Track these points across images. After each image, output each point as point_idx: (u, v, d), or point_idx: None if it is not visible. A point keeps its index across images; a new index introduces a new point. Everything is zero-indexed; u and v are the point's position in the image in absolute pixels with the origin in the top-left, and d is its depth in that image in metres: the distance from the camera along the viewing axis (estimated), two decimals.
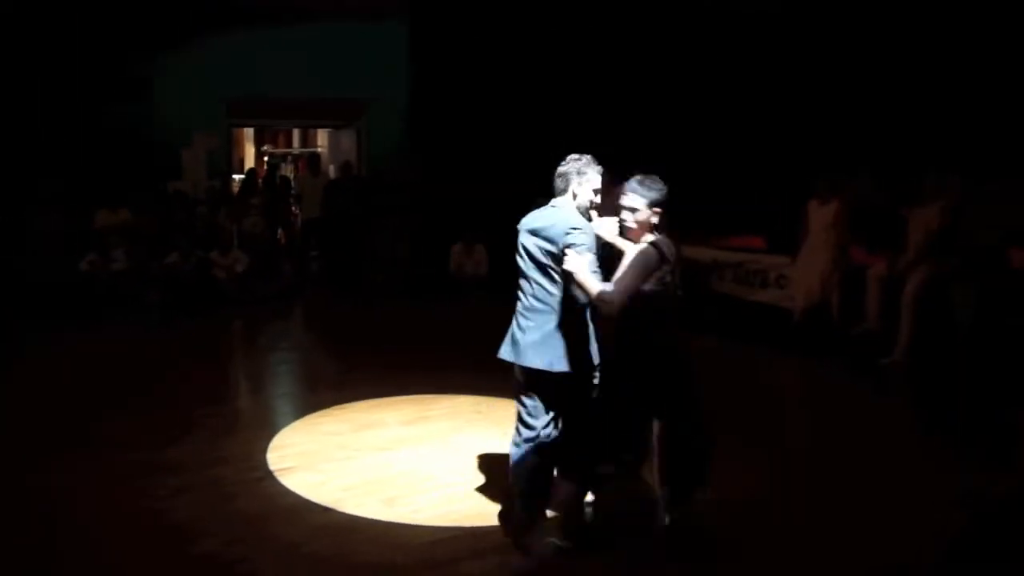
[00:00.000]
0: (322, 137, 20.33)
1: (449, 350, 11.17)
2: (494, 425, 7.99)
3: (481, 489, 6.50)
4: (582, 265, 5.17)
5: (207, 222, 14.96)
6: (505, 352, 5.64)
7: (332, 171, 17.57)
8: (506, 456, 7.14)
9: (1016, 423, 7.01)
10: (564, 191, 5.61)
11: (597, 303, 5.18)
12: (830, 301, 11.07)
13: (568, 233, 5.29)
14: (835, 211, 10.92)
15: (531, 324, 5.47)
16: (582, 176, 5.60)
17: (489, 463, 7.03)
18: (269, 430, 8.06)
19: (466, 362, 10.27)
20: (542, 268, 5.45)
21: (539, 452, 5.47)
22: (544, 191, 13.85)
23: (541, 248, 5.45)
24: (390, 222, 16.54)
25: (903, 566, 5.27)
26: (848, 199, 11.12)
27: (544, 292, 5.46)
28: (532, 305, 5.51)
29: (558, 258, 5.30)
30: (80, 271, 13.28)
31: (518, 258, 5.65)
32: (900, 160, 11.82)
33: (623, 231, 5.54)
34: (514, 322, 5.63)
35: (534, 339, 5.41)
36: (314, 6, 15.79)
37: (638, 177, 5.54)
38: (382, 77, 16.46)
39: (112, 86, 15.07)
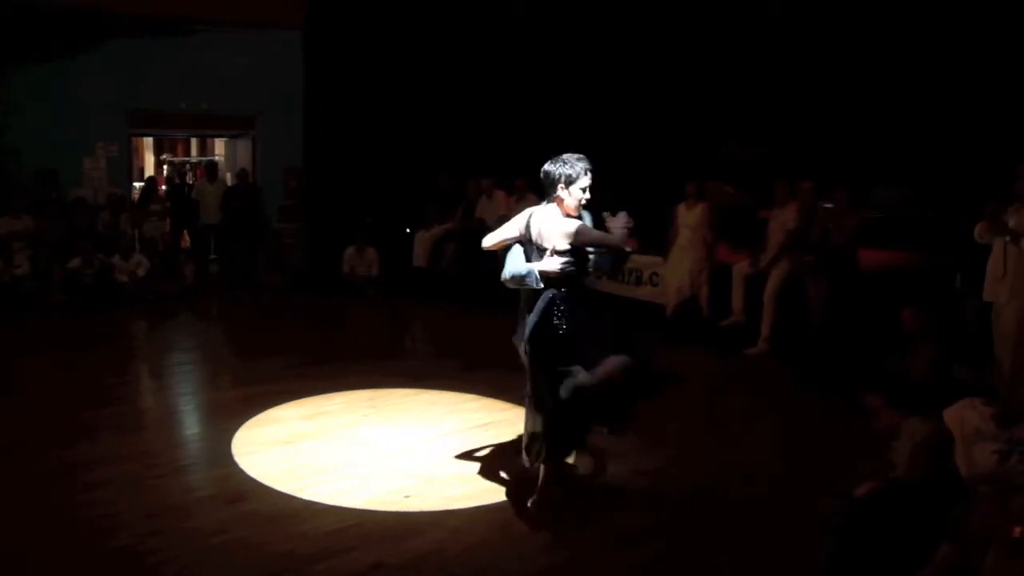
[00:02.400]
0: (219, 146, 20.05)
1: (344, 347, 11.18)
2: (388, 417, 8.04)
3: (378, 478, 6.50)
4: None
5: (109, 227, 14.67)
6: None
7: (229, 178, 17.35)
8: (400, 445, 7.20)
9: (867, 406, 7.23)
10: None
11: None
12: (699, 296, 11.33)
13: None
14: (702, 213, 11.18)
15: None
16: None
17: (384, 453, 7.05)
18: (174, 428, 8.00)
19: (360, 358, 10.32)
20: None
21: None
22: (433, 195, 13.70)
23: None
24: (285, 227, 16.44)
25: (792, 552, 5.42)
26: (714, 202, 11.39)
27: None
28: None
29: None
30: None
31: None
32: (760, 167, 12.18)
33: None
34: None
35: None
36: (212, 19, 15.56)
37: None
38: (277, 87, 16.29)
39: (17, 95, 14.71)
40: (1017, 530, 3.82)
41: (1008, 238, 7.70)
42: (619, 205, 5.67)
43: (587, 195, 5.61)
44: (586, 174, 5.59)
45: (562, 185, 5.58)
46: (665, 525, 5.82)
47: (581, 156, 5.62)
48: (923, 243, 10.79)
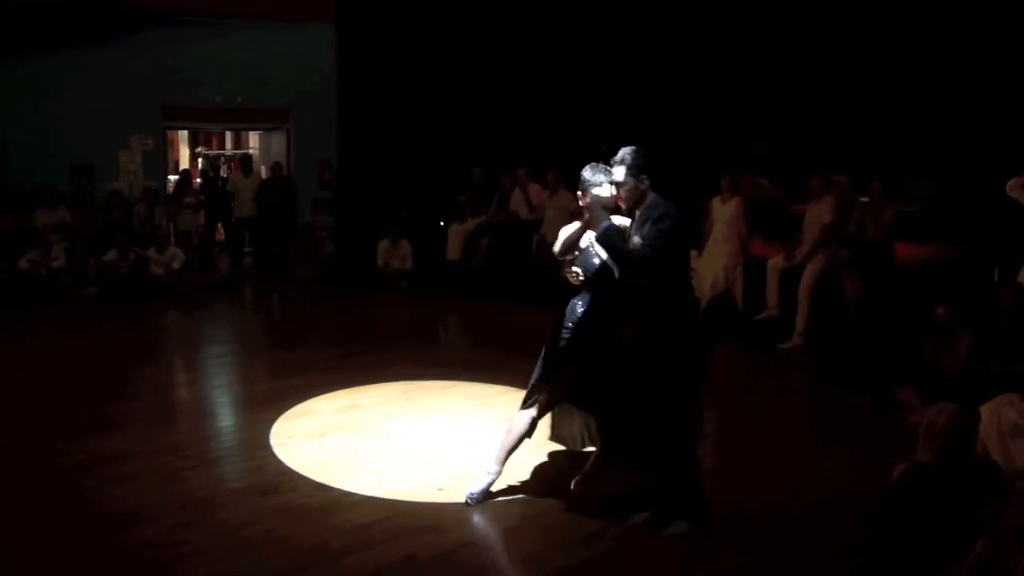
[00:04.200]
0: (254, 139, 20.14)
1: (378, 340, 11.19)
2: (422, 411, 8.07)
3: (411, 470, 6.53)
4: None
5: (144, 220, 14.78)
6: None
7: (264, 171, 17.42)
8: (433, 437, 7.22)
9: (904, 402, 7.21)
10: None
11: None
12: (734, 290, 11.28)
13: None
14: (736, 207, 11.14)
15: None
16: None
17: (417, 446, 7.07)
18: (207, 420, 8.07)
19: (394, 351, 10.36)
20: None
21: None
22: (467, 188, 13.57)
23: None
24: (318, 219, 16.48)
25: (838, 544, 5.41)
26: (748, 196, 11.35)
27: None
28: None
29: None
30: (19, 269, 13.03)
31: None
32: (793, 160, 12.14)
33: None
34: None
35: None
36: (246, 12, 15.63)
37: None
38: (311, 81, 16.36)
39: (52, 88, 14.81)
40: None
41: None
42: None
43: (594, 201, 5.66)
44: (600, 186, 5.63)
45: (579, 192, 5.79)
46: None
47: (624, 158, 5.55)
48: (959, 236, 10.71)
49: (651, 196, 5.48)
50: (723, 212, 11.19)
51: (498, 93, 14.72)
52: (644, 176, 5.46)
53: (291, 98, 16.63)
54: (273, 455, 6.84)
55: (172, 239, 14.72)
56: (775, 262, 11.00)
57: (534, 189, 13.65)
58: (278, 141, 17.64)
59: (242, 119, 17.94)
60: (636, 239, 5.40)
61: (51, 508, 5.90)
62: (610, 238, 5.41)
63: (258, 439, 7.20)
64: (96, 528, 5.59)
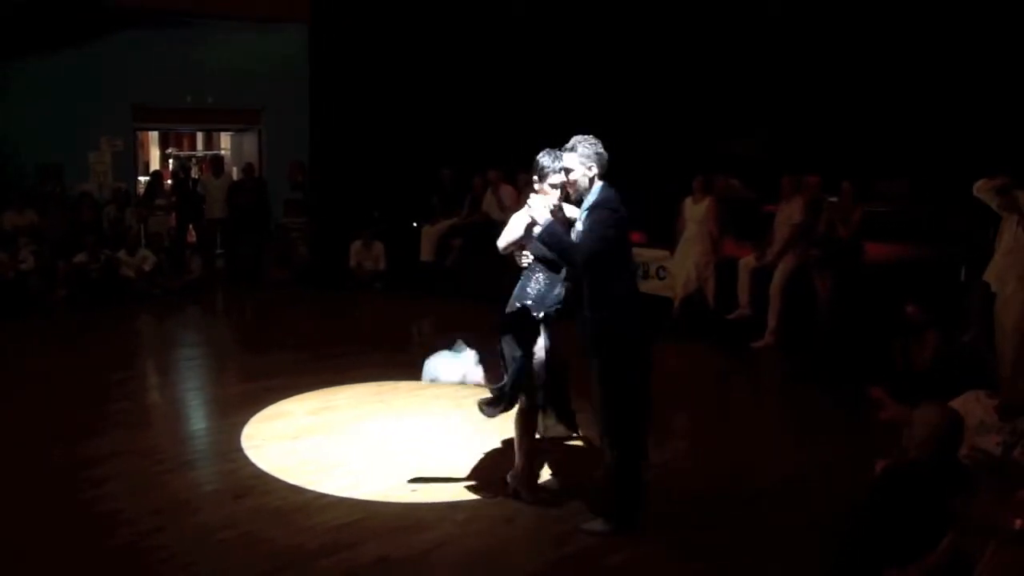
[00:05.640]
0: (225, 140, 20.08)
1: (351, 342, 11.18)
2: (395, 411, 8.09)
3: (384, 472, 6.55)
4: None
5: (114, 222, 14.70)
6: None
7: (235, 172, 17.38)
8: (406, 438, 7.24)
9: (872, 397, 7.29)
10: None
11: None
12: (705, 289, 11.37)
13: None
14: (708, 208, 11.23)
15: None
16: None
17: (391, 447, 7.10)
18: (180, 423, 8.07)
19: (367, 352, 10.36)
20: None
21: None
22: (437, 189, 13.56)
23: None
24: (291, 221, 16.46)
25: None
26: (720, 196, 11.45)
27: None
28: None
29: None
30: None
31: None
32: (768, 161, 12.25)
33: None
34: None
35: None
36: (217, 12, 15.59)
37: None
38: (283, 81, 16.35)
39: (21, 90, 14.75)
40: (1018, 522, 3.85)
41: (1017, 216, 7.66)
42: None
43: (557, 191, 5.65)
44: (559, 172, 5.58)
45: (535, 177, 5.71)
46: (675, 517, 5.85)
47: (575, 146, 5.53)
48: (928, 236, 10.87)
49: (596, 186, 5.47)
50: (695, 212, 11.28)
51: (471, 95, 14.75)
52: (593, 164, 5.43)
53: (263, 99, 16.61)
54: (246, 458, 6.85)
55: (143, 241, 14.65)
56: (747, 261, 11.09)
57: (506, 191, 13.68)
58: (250, 142, 17.61)
59: (213, 120, 17.90)
60: (579, 227, 5.48)
61: (27, 513, 5.90)
62: (553, 236, 5.42)
63: (231, 442, 7.20)
64: (72, 533, 5.60)
